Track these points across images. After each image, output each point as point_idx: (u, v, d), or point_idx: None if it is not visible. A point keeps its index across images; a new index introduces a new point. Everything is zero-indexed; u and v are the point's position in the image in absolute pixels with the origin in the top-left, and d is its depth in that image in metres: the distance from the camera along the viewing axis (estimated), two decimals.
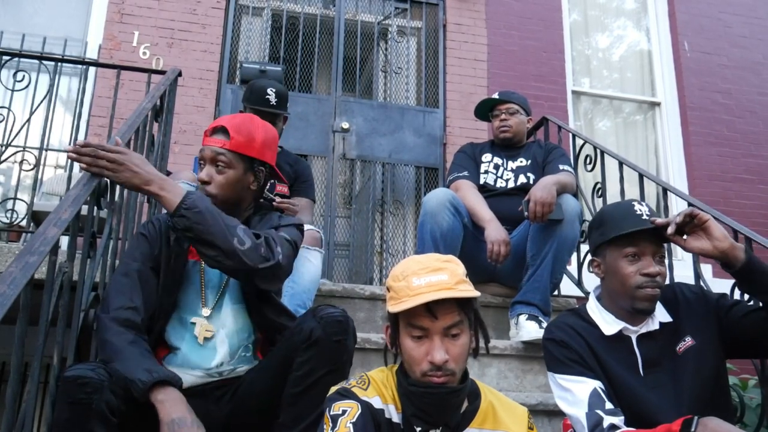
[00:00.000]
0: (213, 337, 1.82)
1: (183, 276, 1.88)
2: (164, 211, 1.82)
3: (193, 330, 1.83)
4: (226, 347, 1.82)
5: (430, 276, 1.43)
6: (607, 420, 1.70)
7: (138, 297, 1.77)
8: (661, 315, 1.88)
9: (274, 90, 3.04)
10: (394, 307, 1.44)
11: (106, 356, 1.64)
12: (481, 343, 1.54)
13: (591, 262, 1.97)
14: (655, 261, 1.82)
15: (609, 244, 1.86)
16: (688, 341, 1.83)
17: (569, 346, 1.85)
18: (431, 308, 1.41)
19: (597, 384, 1.78)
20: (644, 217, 1.81)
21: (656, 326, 1.85)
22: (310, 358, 1.64)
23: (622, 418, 1.71)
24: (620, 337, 1.86)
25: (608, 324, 1.87)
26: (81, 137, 4.06)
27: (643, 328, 1.86)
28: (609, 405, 1.73)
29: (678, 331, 1.86)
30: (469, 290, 1.45)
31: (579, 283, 3.45)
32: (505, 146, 3.32)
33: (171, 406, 1.53)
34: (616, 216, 1.87)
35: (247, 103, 3.08)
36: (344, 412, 1.42)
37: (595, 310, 1.92)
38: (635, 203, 1.87)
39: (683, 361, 1.82)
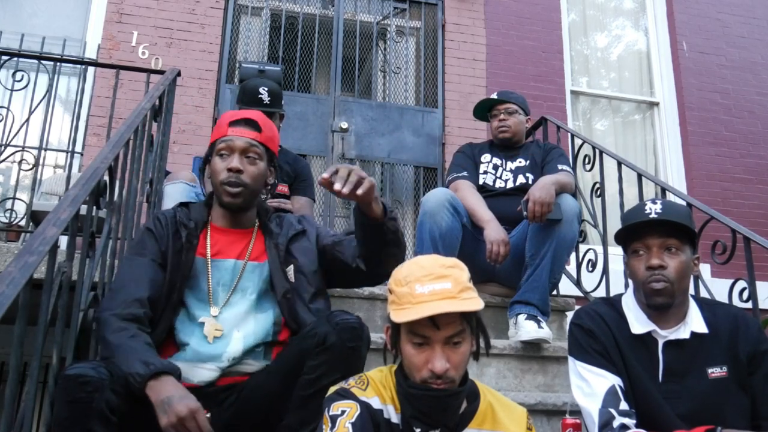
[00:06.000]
0: (223, 336, 1.80)
1: (191, 272, 1.86)
2: (169, 206, 1.81)
3: (202, 328, 1.81)
4: (241, 346, 1.80)
5: (434, 284, 1.41)
6: (618, 420, 1.69)
7: (143, 291, 1.77)
8: (697, 324, 1.82)
9: (266, 89, 3.03)
10: (396, 316, 1.43)
11: (106, 353, 1.64)
12: (482, 344, 1.54)
13: (625, 265, 1.96)
14: (661, 253, 1.78)
15: (626, 245, 1.86)
16: (723, 371, 1.78)
17: (596, 336, 1.84)
18: (434, 318, 1.39)
19: (616, 381, 1.77)
20: (653, 215, 1.78)
21: (687, 335, 1.81)
22: (323, 363, 1.63)
23: (635, 421, 1.70)
24: (648, 338, 1.83)
25: (639, 323, 1.84)
26: (80, 137, 4.06)
27: (673, 335, 1.81)
28: (624, 405, 1.73)
29: (713, 352, 1.80)
30: (473, 299, 1.44)
31: (578, 283, 3.45)
32: (504, 146, 3.31)
33: (160, 388, 1.54)
34: (626, 216, 1.87)
35: (241, 104, 3.07)
36: (343, 412, 1.42)
37: (630, 305, 1.89)
38: (648, 202, 1.84)
39: (713, 389, 1.76)
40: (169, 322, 1.82)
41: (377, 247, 1.82)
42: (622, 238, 1.88)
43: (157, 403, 1.51)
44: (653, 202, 1.83)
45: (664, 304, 1.79)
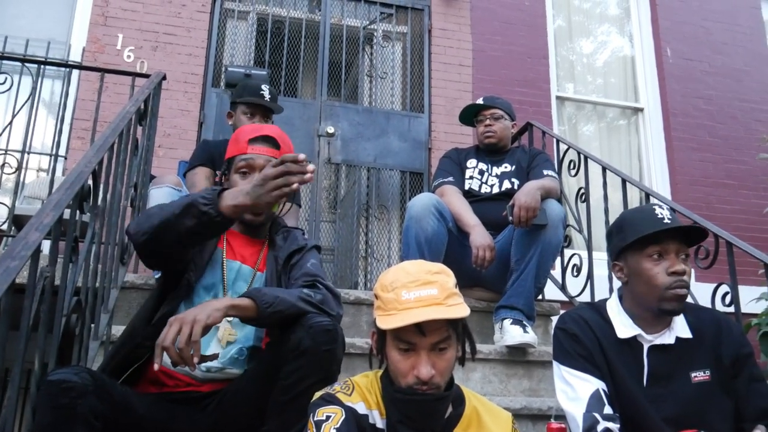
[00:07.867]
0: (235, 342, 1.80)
1: (209, 261, 1.89)
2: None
3: None
4: (219, 347, 1.79)
5: (420, 290, 1.41)
6: (603, 424, 1.70)
7: None
8: (681, 329, 1.84)
9: (268, 87, 3.14)
10: (382, 323, 1.43)
11: (144, 217, 1.74)
12: (467, 349, 1.54)
13: (613, 267, 1.94)
14: (679, 260, 1.79)
15: (631, 247, 1.85)
16: (706, 374, 1.79)
17: (580, 341, 1.84)
18: (420, 325, 1.39)
19: (600, 385, 1.78)
20: (666, 220, 1.79)
21: (671, 340, 1.82)
22: (299, 368, 1.61)
23: (619, 425, 1.71)
24: (633, 342, 1.84)
25: (624, 327, 1.85)
26: (64, 140, 4.03)
27: (658, 340, 1.82)
28: (608, 410, 1.73)
29: (697, 356, 1.81)
30: (459, 305, 1.44)
31: (563, 288, 3.47)
32: (490, 151, 3.33)
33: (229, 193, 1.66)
34: (636, 219, 1.87)
35: (240, 98, 3.11)
36: (328, 417, 1.42)
37: (614, 309, 1.90)
38: (656, 206, 1.85)
39: (697, 393, 1.77)
40: (176, 305, 1.81)
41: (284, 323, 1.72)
42: (629, 241, 1.86)
43: (242, 191, 1.64)
44: (660, 207, 1.85)
45: (680, 311, 1.80)
